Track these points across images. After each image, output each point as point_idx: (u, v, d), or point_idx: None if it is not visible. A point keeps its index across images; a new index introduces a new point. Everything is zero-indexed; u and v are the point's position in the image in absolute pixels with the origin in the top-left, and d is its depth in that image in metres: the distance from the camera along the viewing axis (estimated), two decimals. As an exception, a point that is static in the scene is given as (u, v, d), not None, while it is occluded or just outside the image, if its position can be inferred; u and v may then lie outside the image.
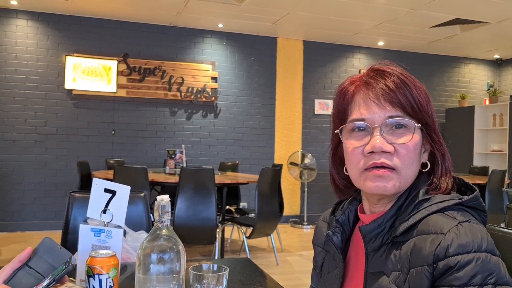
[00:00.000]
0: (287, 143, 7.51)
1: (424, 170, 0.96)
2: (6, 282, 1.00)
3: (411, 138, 0.91)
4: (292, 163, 7.02)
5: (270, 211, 4.72)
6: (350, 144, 0.96)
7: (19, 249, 1.07)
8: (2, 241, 5.66)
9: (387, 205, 0.96)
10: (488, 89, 8.58)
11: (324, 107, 7.67)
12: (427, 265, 0.82)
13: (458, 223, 0.83)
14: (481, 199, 0.92)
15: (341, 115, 1.00)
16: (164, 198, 1.00)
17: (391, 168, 0.91)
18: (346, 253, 1.06)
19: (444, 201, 0.89)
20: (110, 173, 4.63)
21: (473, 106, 8.14)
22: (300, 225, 7.09)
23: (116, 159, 6.14)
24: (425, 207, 0.89)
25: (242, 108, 7.32)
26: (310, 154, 6.99)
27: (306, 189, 7.22)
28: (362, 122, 0.94)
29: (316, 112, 7.66)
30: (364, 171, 0.94)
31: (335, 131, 1.00)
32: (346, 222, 1.06)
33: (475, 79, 8.78)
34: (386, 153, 0.91)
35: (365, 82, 0.96)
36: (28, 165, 6.28)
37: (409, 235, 0.88)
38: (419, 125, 0.93)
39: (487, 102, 8.31)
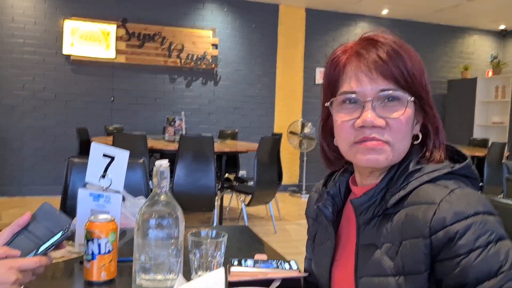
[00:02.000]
0: (287, 112, 7.47)
1: (415, 143, 0.93)
2: (5, 245, 0.99)
3: (404, 112, 0.88)
4: (291, 132, 7.01)
5: (269, 179, 4.74)
6: (340, 117, 0.93)
7: (18, 214, 1.08)
8: (2, 205, 5.70)
9: (378, 177, 0.95)
10: (491, 61, 8.48)
11: (325, 76, 7.59)
12: (422, 237, 0.80)
13: (450, 191, 0.81)
14: (473, 167, 0.91)
15: (331, 86, 0.97)
16: (163, 164, 0.98)
17: (384, 142, 0.89)
18: (338, 225, 1.05)
19: (435, 170, 0.88)
20: (109, 140, 4.62)
21: (476, 78, 8.06)
22: (299, 194, 7.14)
23: (115, 126, 6.11)
24: (415, 178, 0.87)
25: (242, 76, 7.24)
26: (310, 124, 6.97)
27: (305, 158, 7.24)
28: (353, 95, 0.91)
29: (317, 82, 7.60)
30: (354, 144, 0.92)
31: (325, 104, 0.97)
32: (338, 194, 1.05)
33: (478, 50, 8.67)
34: (377, 127, 0.88)
35: (357, 52, 0.92)
36: (27, 131, 6.26)
37: (400, 206, 0.86)
38: (412, 98, 0.90)
39: (490, 74, 8.23)
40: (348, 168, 1.07)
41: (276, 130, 7.27)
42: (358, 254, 0.91)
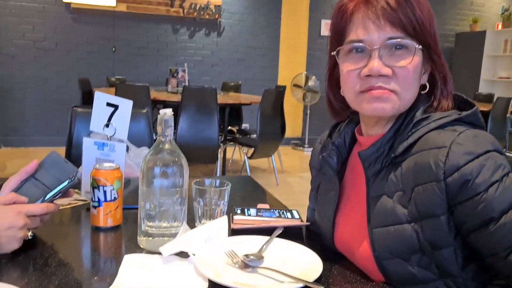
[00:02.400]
0: (291, 64, 7.37)
1: (422, 92, 0.93)
2: (13, 192, 1.01)
3: (411, 61, 0.87)
4: (295, 85, 6.94)
5: (272, 132, 4.74)
6: (346, 66, 0.92)
7: (23, 164, 1.10)
8: (7, 156, 5.76)
9: (385, 126, 0.95)
10: (502, 13, 8.26)
11: (331, 28, 7.42)
12: (436, 181, 0.81)
13: (459, 133, 0.83)
14: (480, 115, 0.91)
15: (338, 35, 0.95)
16: (167, 112, 0.98)
17: (390, 91, 0.89)
18: (342, 175, 1.06)
19: (443, 117, 0.88)
20: (111, 91, 4.58)
21: (485, 31, 7.88)
22: (301, 148, 7.17)
23: (118, 77, 6.06)
24: (423, 126, 0.88)
25: (246, 27, 7.09)
26: (314, 77, 6.89)
27: (308, 111, 7.21)
28: (360, 44, 0.89)
29: (322, 34, 7.44)
30: (360, 93, 0.91)
31: (332, 53, 0.96)
32: (343, 145, 1.05)
33: (489, 2, 8.42)
34: (383, 76, 0.88)
35: (365, 0, 0.89)
36: (28, 81, 6.21)
37: (408, 154, 0.87)
38: (420, 46, 0.89)
39: (500, 27, 8.03)
40: (353, 118, 1.06)
41: (280, 82, 7.20)
42: (369, 205, 0.92)
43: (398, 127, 0.91)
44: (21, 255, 0.94)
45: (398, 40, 0.87)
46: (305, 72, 7.03)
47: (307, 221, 1.20)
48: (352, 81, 0.92)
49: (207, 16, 6.78)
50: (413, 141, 0.87)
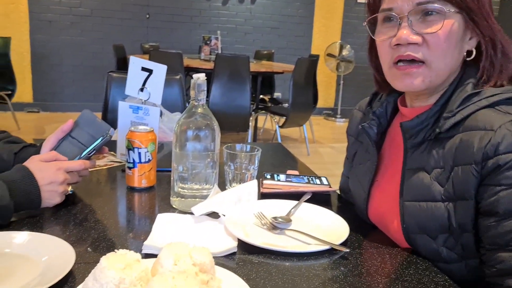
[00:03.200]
0: (326, 33, 7.23)
1: (468, 59, 0.88)
2: (52, 150, 1.06)
3: (441, 26, 0.83)
4: (329, 55, 6.83)
5: (304, 102, 4.72)
6: (379, 37, 0.91)
7: None
8: (45, 120, 5.96)
9: (429, 99, 0.92)
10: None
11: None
12: (475, 163, 0.78)
13: (511, 120, 0.78)
14: None
15: (372, 5, 0.93)
16: (200, 77, 0.99)
17: (420, 61, 0.85)
18: (381, 146, 1.04)
19: (496, 94, 0.83)
20: (145, 58, 4.64)
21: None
22: (334, 118, 7.11)
23: (151, 44, 6.10)
24: (474, 102, 0.83)
25: (280, -6, 6.97)
26: (348, 46, 6.74)
27: (342, 81, 7.10)
28: (390, 12, 0.87)
29: (359, 0, 7.23)
30: (392, 66, 0.89)
31: (364, 23, 0.94)
32: (384, 115, 1.02)
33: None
34: (413, 44, 0.84)
35: None
36: (65, 47, 6.33)
37: (455, 131, 0.84)
38: (455, 9, 0.83)
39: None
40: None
41: (313, 51, 7.09)
42: (404, 177, 0.91)
43: (446, 100, 0.88)
44: (62, 210, 0.99)
45: (426, 5, 0.83)
46: (340, 41, 6.89)
47: (340, 188, 1.20)
48: (385, 52, 0.90)
49: (241, -17, 6.69)
50: (461, 118, 0.83)
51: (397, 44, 0.86)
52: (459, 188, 0.81)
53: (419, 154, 0.89)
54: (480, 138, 0.79)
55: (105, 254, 0.62)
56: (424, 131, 0.89)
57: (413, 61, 0.86)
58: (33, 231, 0.86)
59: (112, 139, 1.11)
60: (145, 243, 0.83)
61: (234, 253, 0.84)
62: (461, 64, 0.90)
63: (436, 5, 0.83)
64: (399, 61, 0.87)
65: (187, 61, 4.69)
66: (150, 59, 1.31)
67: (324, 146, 5.46)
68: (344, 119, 6.95)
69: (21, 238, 0.82)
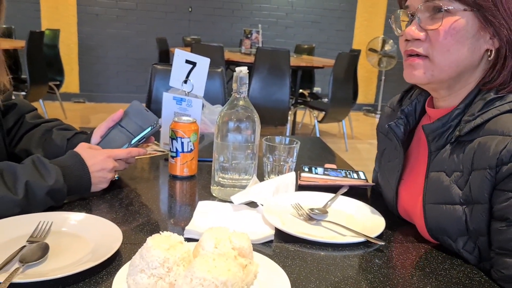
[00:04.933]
0: (368, 27, 7.12)
1: (489, 58, 0.86)
2: (102, 137, 1.12)
3: (441, 23, 0.83)
4: (371, 49, 6.73)
5: (344, 97, 4.69)
6: (398, 32, 0.94)
7: (105, 118, 1.19)
8: (91, 110, 6.18)
9: (449, 99, 0.92)
10: None
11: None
12: (490, 168, 0.79)
13: None
14: None
15: (400, 1, 0.97)
16: (243, 70, 1.02)
17: (424, 56, 0.87)
18: (408, 145, 1.05)
19: None
20: (187, 50, 4.73)
21: None
22: (373, 114, 7.02)
23: (193, 37, 6.20)
24: (495, 106, 0.82)
25: (323, -12, 6.92)
26: (391, 41, 6.62)
27: (383, 77, 6.98)
28: (406, 10, 0.91)
29: (402, -5, 7.07)
30: (404, 60, 0.92)
31: (389, 20, 0.97)
32: (412, 113, 1.03)
33: None
34: (418, 40, 0.87)
35: None
36: (110, 39, 6.53)
37: (475, 134, 0.83)
38: (464, 7, 0.82)
39: None
40: None
41: (355, 46, 7.01)
42: (427, 180, 0.91)
43: (468, 103, 0.88)
44: (109, 194, 1.05)
45: (432, 2, 0.84)
46: (382, 36, 6.77)
47: (374, 181, 1.21)
48: (401, 46, 0.93)
49: (283, -23, 6.68)
50: (481, 122, 0.83)
51: (407, 40, 0.90)
52: (476, 192, 0.81)
53: (441, 157, 0.90)
54: (497, 143, 0.78)
55: (149, 236, 0.67)
56: (446, 134, 0.90)
57: (417, 55, 0.89)
58: (82, 212, 0.92)
59: None
60: (186, 228, 0.87)
61: (271, 241, 0.87)
62: (485, 65, 0.88)
63: (439, 2, 0.84)
64: (410, 55, 0.90)
65: (228, 55, 4.75)
66: (191, 52, 1.35)
67: (363, 142, 5.41)
68: (384, 115, 6.83)
69: (75, 218, 0.88)
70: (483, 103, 0.84)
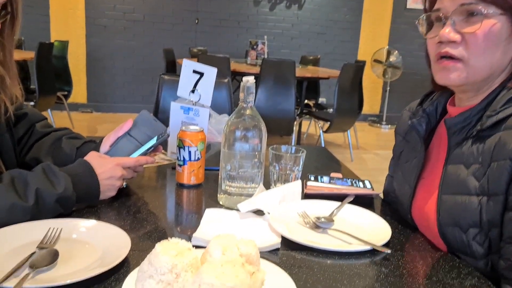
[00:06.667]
0: (373, 38, 7.14)
1: None
2: (111, 146, 1.14)
3: (480, 26, 0.85)
4: (376, 60, 6.74)
5: (349, 107, 4.70)
6: (428, 35, 0.95)
7: (112, 128, 1.21)
8: (98, 120, 6.22)
9: (475, 98, 0.94)
10: None
11: (419, 0, 7.05)
12: (510, 159, 0.81)
13: None
14: None
15: (429, 4, 0.98)
16: (250, 80, 1.04)
17: (458, 59, 0.88)
18: (428, 144, 1.06)
19: None
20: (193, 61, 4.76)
21: None
22: (379, 125, 7.01)
23: (199, 48, 6.25)
24: None
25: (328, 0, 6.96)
26: (396, 52, 6.64)
27: (388, 88, 6.99)
28: (438, 13, 0.91)
29: (408, 6, 7.11)
30: (435, 62, 0.93)
31: (416, 23, 0.99)
32: (433, 113, 1.06)
33: None
34: (453, 42, 0.88)
35: None
36: (117, 51, 6.59)
37: (496, 129, 0.86)
38: (500, 11, 0.85)
39: None
40: (448, 89, 1.06)
41: (360, 57, 7.03)
42: (445, 172, 0.94)
43: (491, 100, 0.90)
44: (117, 202, 1.06)
45: (468, 6, 0.86)
46: (387, 47, 6.79)
47: (384, 191, 1.22)
48: (431, 49, 0.94)
49: (288, -12, 6.73)
50: (503, 117, 0.85)
51: (440, 42, 0.90)
52: (493, 183, 0.83)
53: (460, 151, 0.92)
54: None
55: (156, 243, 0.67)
56: (467, 128, 0.92)
57: (451, 58, 0.90)
58: (91, 219, 0.93)
59: None
60: (194, 235, 0.88)
61: (277, 249, 0.88)
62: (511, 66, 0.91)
63: (476, 6, 0.86)
64: (443, 57, 0.91)
65: (234, 65, 4.78)
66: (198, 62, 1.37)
67: (368, 153, 5.40)
68: (389, 126, 6.84)
69: (84, 225, 0.89)
70: (506, 99, 0.87)
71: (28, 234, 0.83)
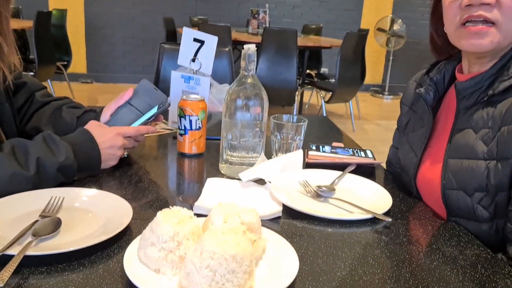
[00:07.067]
0: (377, 6, 7.01)
1: None
2: (112, 115, 1.13)
3: None
4: (379, 29, 6.64)
5: (351, 77, 4.65)
6: None
7: (112, 98, 1.20)
8: (98, 91, 6.18)
9: (487, 64, 0.92)
10: None
11: (423, -33, 6.89)
12: None
13: None
14: None
15: None
16: (251, 47, 1.02)
17: (490, 22, 0.85)
18: (435, 113, 1.05)
19: None
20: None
21: None
22: (381, 95, 6.96)
23: (200, 17, 6.15)
24: None
25: (331, -34, 6.81)
26: (400, 20, 6.52)
27: (391, 57, 6.90)
28: None
29: (412, -27, 6.95)
30: (459, 27, 0.89)
31: None
32: (441, 81, 1.04)
33: None
34: (485, 5, 0.84)
35: None
36: (117, 19, 6.49)
37: (508, 94, 0.85)
38: None
39: None
40: (455, 56, 1.04)
41: (363, 26, 6.90)
42: (452, 136, 0.93)
43: (504, 64, 0.89)
44: (118, 172, 1.07)
45: None
46: (391, 15, 6.67)
47: (387, 161, 1.22)
48: (453, 13, 0.90)
49: (291, -45, 6.57)
50: None
51: (468, 5, 0.86)
52: (502, 147, 0.83)
53: (469, 115, 0.91)
54: None
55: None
56: (477, 93, 0.91)
57: (483, 21, 0.86)
58: (93, 188, 0.94)
59: None
60: (195, 203, 0.88)
61: (278, 218, 0.88)
62: None
63: None
64: (467, 21, 0.87)
65: (235, 35, 4.71)
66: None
67: (370, 123, 5.38)
68: (392, 96, 6.79)
69: (86, 194, 0.90)
70: None
71: (31, 203, 0.83)
